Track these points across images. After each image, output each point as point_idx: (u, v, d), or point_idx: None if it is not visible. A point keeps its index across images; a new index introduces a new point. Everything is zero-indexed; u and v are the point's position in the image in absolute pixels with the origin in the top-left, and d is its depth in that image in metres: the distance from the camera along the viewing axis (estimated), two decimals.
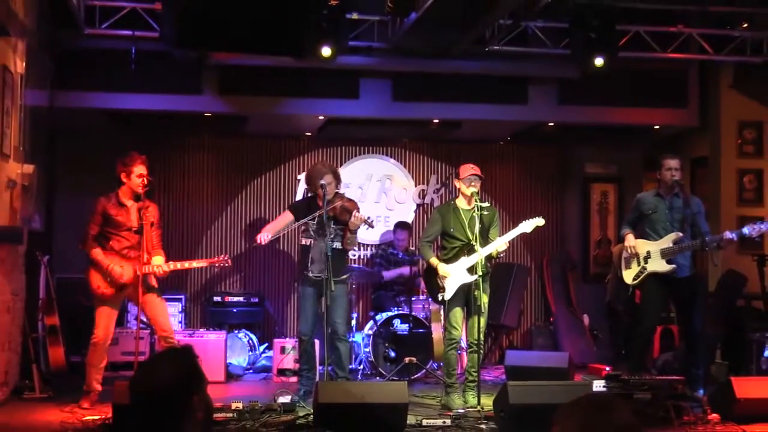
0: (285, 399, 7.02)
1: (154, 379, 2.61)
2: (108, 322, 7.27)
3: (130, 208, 7.26)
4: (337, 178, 7.73)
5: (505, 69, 9.63)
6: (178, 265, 7.45)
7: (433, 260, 7.62)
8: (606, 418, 2.30)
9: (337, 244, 7.56)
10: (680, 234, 7.65)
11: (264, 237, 7.62)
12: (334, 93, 9.66)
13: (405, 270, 9.72)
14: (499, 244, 7.45)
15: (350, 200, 7.80)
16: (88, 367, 7.25)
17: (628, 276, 7.81)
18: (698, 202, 8.04)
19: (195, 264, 7.95)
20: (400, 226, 10.34)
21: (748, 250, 9.45)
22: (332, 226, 7.49)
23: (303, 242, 7.75)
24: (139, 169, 7.22)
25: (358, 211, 7.55)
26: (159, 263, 7.27)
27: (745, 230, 7.54)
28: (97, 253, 7.22)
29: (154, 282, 7.30)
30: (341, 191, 7.90)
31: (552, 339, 10.77)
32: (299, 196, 10.57)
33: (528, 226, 7.53)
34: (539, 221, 7.56)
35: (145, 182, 7.23)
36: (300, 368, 7.88)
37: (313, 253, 7.57)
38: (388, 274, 9.95)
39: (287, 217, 7.85)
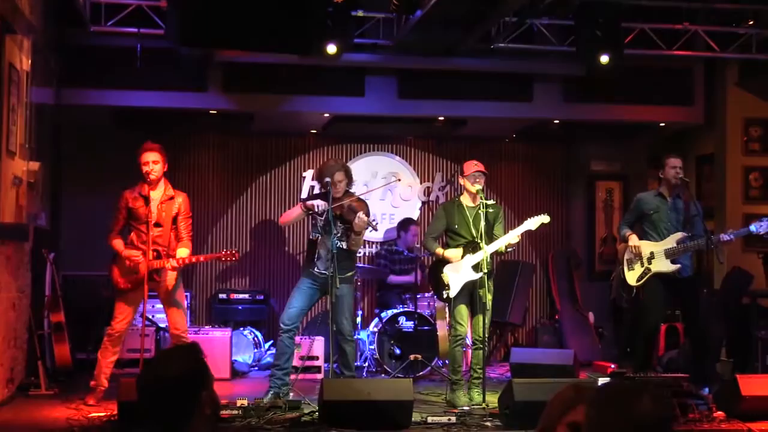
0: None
1: (164, 373, 2.62)
2: (126, 316, 7.29)
3: (151, 200, 7.23)
4: (349, 177, 7.65)
5: (511, 66, 9.64)
6: (187, 260, 7.42)
7: (439, 249, 7.60)
8: (631, 408, 2.29)
9: (343, 244, 7.47)
10: (683, 234, 7.64)
11: (323, 205, 7.45)
12: (339, 90, 9.66)
13: (410, 278, 9.70)
14: (505, 242, 7.44)
15: (360, 201, 7.74)
16: (99, 360, 7.27)
17: (632, 277, 7.78)
18: (698, 205, 8.02)
19: (203, 258, 7.95)
20: (411, 222, 10.33)
21: (753, 248, 9.46)
22: (338, 224, 7.44)
23: (312, 236, 7.69)
24: (145, 157, 7.21)
25: (367, 213, 7.49)
26: (181, 256, 7.29)
27: (753, 228, 7.53)
28: (117, 242, 7.26)
29: (172, 279, 7.26)
30: (353, 190, 7.82)
31: (557, 336, 10.77)
32: (304, 194, 10.60)
33: (533, 223, 7.52)
34: (544, 218, 7.55)
35: (152, 168, 7.19)
36: (273, 365, 7.63)
37: (320, 250, 7.51)
38: (395, 279, 9.95)
39: (301, 208, 7.74)
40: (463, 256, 7.48)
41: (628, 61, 8.96)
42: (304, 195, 10.51)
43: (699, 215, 7.81)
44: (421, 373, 8.87)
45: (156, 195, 7.26)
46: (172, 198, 7.33)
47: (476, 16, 8.15)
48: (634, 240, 7.77)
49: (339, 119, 10.10)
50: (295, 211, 7.76)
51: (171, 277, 7.25)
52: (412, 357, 8.78)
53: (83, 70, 9.05)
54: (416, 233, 10.19)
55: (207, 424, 2.64)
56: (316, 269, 7.49)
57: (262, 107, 9.74)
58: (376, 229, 7.74)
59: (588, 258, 11.37)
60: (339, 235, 7.40)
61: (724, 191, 10.16)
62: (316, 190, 8.28)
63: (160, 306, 7.69)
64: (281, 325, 7.51)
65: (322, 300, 8.17)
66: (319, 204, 7.48)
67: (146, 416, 2.63)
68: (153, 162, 7.21)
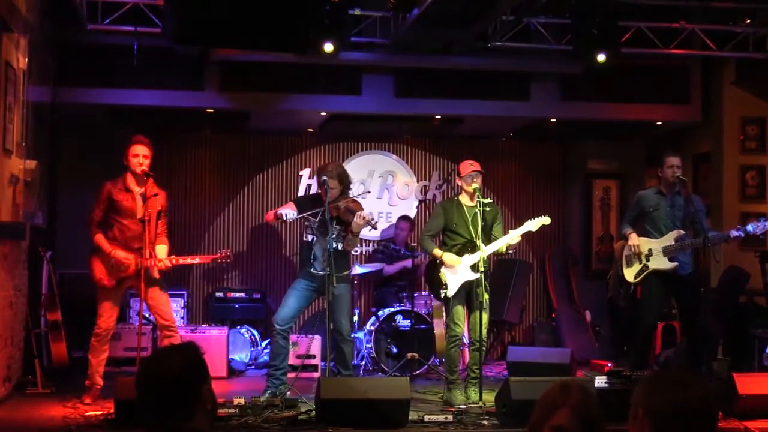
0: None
1: (166, 367, 2.63)
2: (111, 314, 7.25)
3: (137, 195, 7.19)
4: (343, 182, 7.62)
5: (508, 65, 9.63)
6: (180, 261, 7.40)
7: (437, 251, 7.57)
8: (691, 392, 2.50)
9: (339, 245, 7.45)
10: (682, 232, 7.65)
11: (288, 214, 7.44)
12: (336, 89, 9.65)
13: (407, 262, 9.70)
14: (505, 242, 7.43)
15: (355, 202, 7.74)
16: (90, 361, 7.25)
17: (630, 274, 7.80)
18: (699, 200, 8.04)
19: (198, 260, 7.93)
20: (403, 218, 10.44)
21: (750, 246, 9.46)
22: (334, 225, 7.41)
23: (305, 238, 7.68)
24: (135, 150, 7.16)
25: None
26: (162, 255, 7.24)
27: (750, 228, 7.54)
28: (100, 238, 7.18)
29: (156, 274, 7.24)
30: (349, 194, 7.80)
31: (554, 335, 10.78)
32: (301, 193, 10.62)
33: (534, 224, 7.50)
34: (545, 220, 7.52)
35: (142, 162, 7.15)
36: (269, 365, 7.61)
37: (316, 250, 7.51)
38: (390, 269, 9.96)
39: (292, 207, 7.68)
40: (461, 256, 7.47)
41: (625, 60, 8.96)
42: (300, 193, 10.56)
43: (702, 212, 7.82)
44: (417, 372, 8.88)
45: (140, 189, 7.23)
46: (156, 194, 7.31)
47: (473, 14, 8.14)
48: (633, 239, 7.77)
49: (336, 118, 10.10)
50: (269, 217, 7.69)
51: (157, 272, 7.23)
52: (409, 355, 8.79)
53: (80, 68, 9.04)
54: (404, 228, 10.23)
55: (208, 419, 2.65)
56: (313, 269, 7.49)
57: (259, 106, 9.74)
58: (375, 228, 7.74)
59: (585, 256, 11.38)
60: (335, 236, 7.39)
61: (721, 190, 10.17)
62: (314, 189, 8.27)
63: None
64: (275, 326, 7.49)
65: (320, 299, 8.18)
66: (287, 213, 7.47)
67: (147, 414, 2.63)
68: (143, 156, 7.19)
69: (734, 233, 7.61)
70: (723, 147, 10.21)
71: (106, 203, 7.20)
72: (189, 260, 7.58)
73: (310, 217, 7.52)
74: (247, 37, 7.77)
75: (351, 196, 7.75)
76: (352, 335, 7.88)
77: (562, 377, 7.33)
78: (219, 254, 7.54)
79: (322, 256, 7.44)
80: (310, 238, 7.60)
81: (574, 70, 9.49)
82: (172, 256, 7.30)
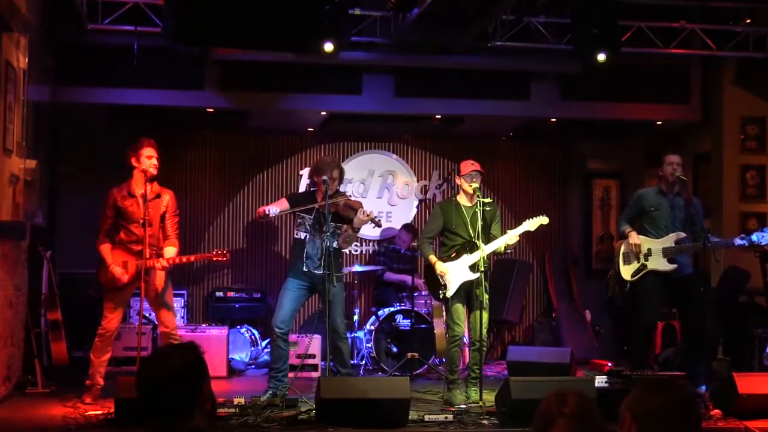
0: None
1: (166, 367, 2.63)
2: (115, 315, 7.28)
3: (139, 198, 7.18)
4: (341, 176, 7.66)
5: (508, 65, 9.63)
6: (177, 260, 7.40)
7: (432, 257, 7.57)
8: (679, 398, 2.55)
9: (334, 243, 7.43)
10: (682, 234, 7.63)
11: (272, 209, 7.43)
12: (336, 88, 9.65)
13: (407, 278, 9.67)
14: (503, 242, 7.42)
15: (353, 200, 7.72)
16: (92, 360, 7.25)
17: (627, 272, 7.77)
18: (698, 202, 8.03)
19: (193, 258, 7.94)
20: (405, 228, 10.41)
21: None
22: (329, 223, 7.36)
23: (297, 235, 7.62)
24: (148, 151, 7.18)
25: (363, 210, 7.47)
26: (169, 255, 7.26)
27: (755, 237, 7.51)
28: (104, 249, 7.21)
29: (160, 280, 7.23)
30: (342, 190, 7.80)
31: (554, 334, 10.78)
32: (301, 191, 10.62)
33: (532, 224, 7.49)
34: (543, 220, 7.52)
35: (156, 163, 7.18)
36: (270, 368, 7.62)
37: (309, 248, 7.48)
38: (392, 276, 9.94)
39: (283, 204, 7.66)
40: (460, 256, 7.47)
41: (625, 60, 8.96)
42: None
43: (699, 213, 7.80)
44: (418, 372, 8.88)
45: (145, 193, 7.23)
46: (159, 196, 7.31)
47: (473, 13, 8.14)
48: (634, 237, 7.74)
49: (336, 117, 10.10)
50: (257, 214, 7.64)
51: (160, 277, 7.22)
52: (409, 355, 8.79)
53: (80, 68, 9.05)
54: (404, 238, 10.20)
55: (207, 418, 2.65)
56: (305, 268, 7.47)
57: (259, 105, 9.73)
58: (380, 225, 7.73)
59: (585, 256, 11.38)
60: (330, 233, 7.36)
61: (721, 189, 10.16)
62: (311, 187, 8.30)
63: None
64: (275, 329, 7.48)
65: (315, 299, 8.18)
66: (269, 209, 7.45)
67: (147, 413, 2.63)
68: (156, 158, 7.22)
69: (739, 241, 7.58)
70: (723, 147, 10.20)
71: (113, 210, 7.23)
72: (185, 259, 7.55)
73: (305, 215, 7.49)
74: (247, 37, 7.78)
75: (347, 196, 7.74)
76: (348, 334, 7.87)
77: (561, 378, 7.35)
78: (214, 253, 7.53)
79: (316, 255, 7.42)
80: (302, 235, 7.55)
81: (574, 70, 9.49)
82: (168, 257, 7.28)
